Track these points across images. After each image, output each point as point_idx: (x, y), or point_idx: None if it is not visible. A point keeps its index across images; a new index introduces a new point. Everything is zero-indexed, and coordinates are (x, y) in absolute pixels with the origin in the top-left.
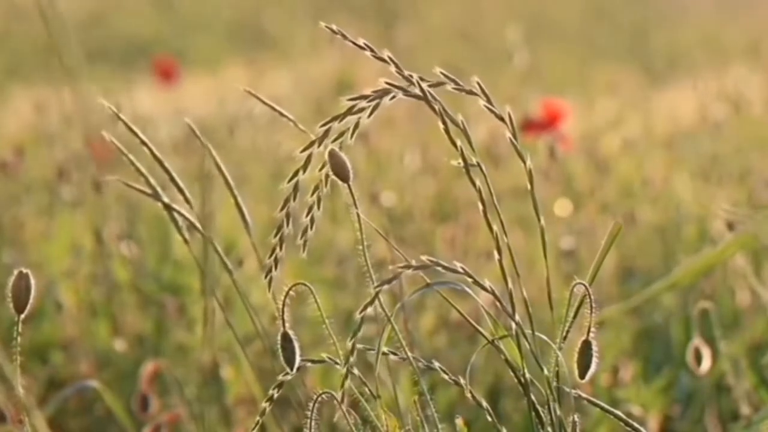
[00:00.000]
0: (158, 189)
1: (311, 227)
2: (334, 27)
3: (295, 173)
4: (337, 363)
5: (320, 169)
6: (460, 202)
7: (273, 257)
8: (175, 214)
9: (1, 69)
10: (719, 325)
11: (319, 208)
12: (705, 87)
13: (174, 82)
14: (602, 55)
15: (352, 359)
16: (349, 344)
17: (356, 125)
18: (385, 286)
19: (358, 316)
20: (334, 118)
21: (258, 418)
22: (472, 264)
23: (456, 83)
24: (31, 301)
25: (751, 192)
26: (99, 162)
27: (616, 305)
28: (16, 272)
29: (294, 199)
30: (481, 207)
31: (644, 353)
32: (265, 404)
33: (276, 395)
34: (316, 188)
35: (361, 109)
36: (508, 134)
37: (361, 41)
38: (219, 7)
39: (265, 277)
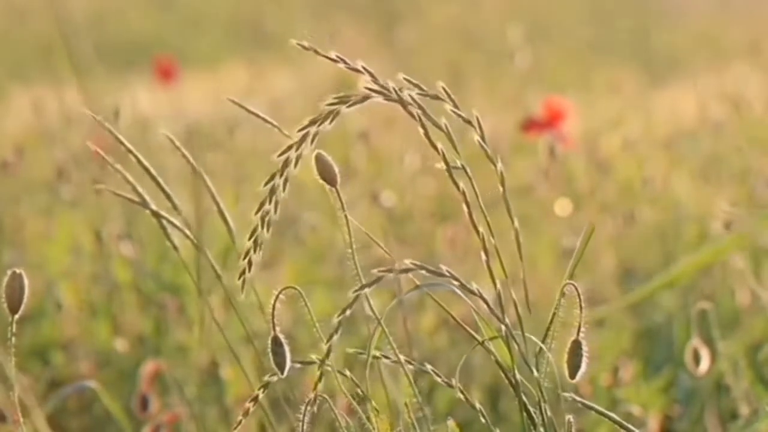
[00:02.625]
0: (146, 197)
1: (267, 230)
2: (306, 43)
3: (272, 177)
4: (329, 366)
5: (265, 184)
6: (459, 202)
7: (247, 259)
8: (164, 221)
9: (1, 69)
10: (718, 325)
11: (276, 212)
12: (705, 87)
13: (174, 81)
14: (602, 55)
15: (328, 362)
16: (325, 347)
17: (315, 134)
18: (368, 289)
19: (336, 319)
20: (312, 123)
21: (240, 418)
22: (472, 264)
23: (420, 88)
24: (25, 301)
25: (751, 192)
26: (99, 162)
27: (615, 303)
28: (9, 272)
29: (270, 203)
30: (466, 210)
31: (644, 353)
32: (248, 404)
33: (261, 397)
34: (262, 204)
35: (339, 113)
36: (477, 138)
37: (333, 54)
38: (219, 7)
39: (239, 278)
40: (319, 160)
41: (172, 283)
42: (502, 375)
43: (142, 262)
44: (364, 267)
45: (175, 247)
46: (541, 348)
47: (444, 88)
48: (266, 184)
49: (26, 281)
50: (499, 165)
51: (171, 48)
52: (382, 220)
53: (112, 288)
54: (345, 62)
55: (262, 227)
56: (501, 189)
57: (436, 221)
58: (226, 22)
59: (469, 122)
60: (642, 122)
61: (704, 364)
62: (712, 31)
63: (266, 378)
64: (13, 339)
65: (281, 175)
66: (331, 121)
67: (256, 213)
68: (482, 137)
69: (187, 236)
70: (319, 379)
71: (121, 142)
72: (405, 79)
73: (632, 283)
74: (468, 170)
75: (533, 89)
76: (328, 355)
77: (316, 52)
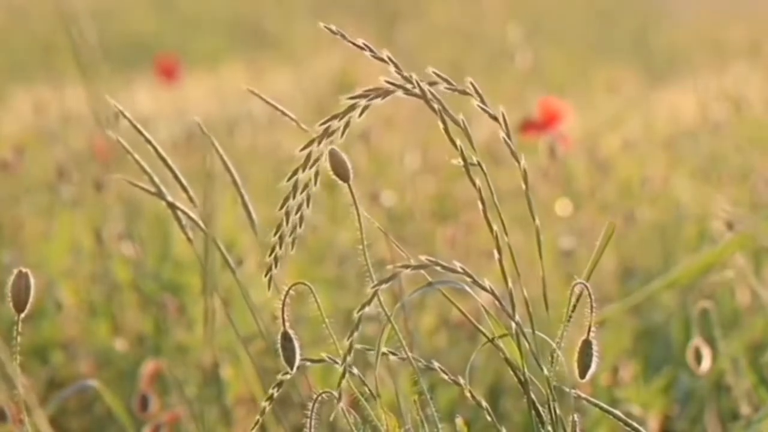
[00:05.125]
0: (162, 188)
1: (300, 225)
2: (333, 27)
3: (295, 172)
4: (336, 362)
5: (309, 167)
6: (460, 201)
7: (273, 255)
8: (179, 213)
9: (1, 69)
10: (719, 324)
11: (308, 205)
12: (705, 87)
13: (176, 80)
14: (602, 55)
15: (349, 358)
16: (347, 343)
17: (347, 124)
18: (384, 286)
19: (356, 315)
20: (334, 117)
21: (258, 417)
22: (472, 264)
23: (449, 83)
24: (30, 300)
25: (751, 192)
26: (101, 161)
27: (616, 304)
28: (15, 271)
29: (293, 198)
30: (481, 206)
31: (644, 353)
32: (264, 403)
33: (276, 394)
34: (306, 186)
35: (361, 107)
36: (502, 134)
37: (360, 41)
38: (219, 6)
39: (265, 275)
40: (333, 156)
41: (173, 283)
42: (505, 374)
43: (142, 261)
44: (364, 266)
45: (189, 239)
46: (552, 347)
47: (472, 83)
48: (289, 179)
49: (32, 280)
50: (523, 162)
51: (171, 48)
52: (382, 220)
53: (112, 288)
54: (371, 50)
55: (287, 223)
56: (524, 186)
57: (436, 221)
58: (227, 22)
59: (495, 119)
60: (642, 122)
61: (706, 364)
62: (712, 31)
63: (280, 375)
64: (18, 338)
65: (304, 170)
66: (361, 113)
67: (280, 209)
68: (508, 134)
69: (201, 228)
70: (342, 376)
71: (141, 133)
72: (434, 72)
73: (632, 283)
74: (484, 167)
75: (533, 89)
76: (350, 350)
77: (343, 37)
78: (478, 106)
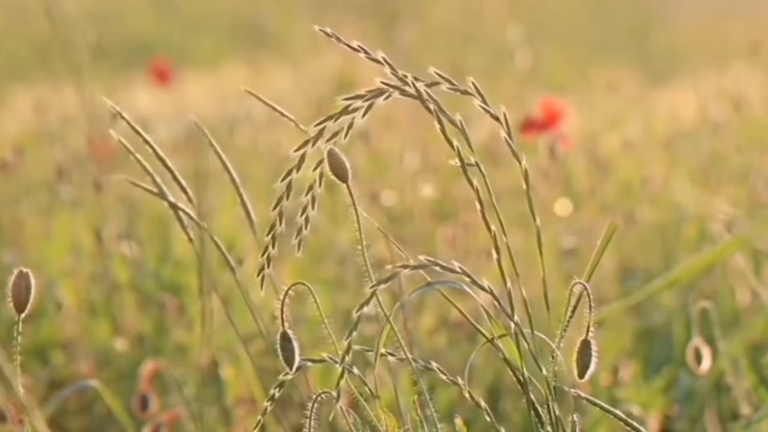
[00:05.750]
0: (163, 188)
1: (306, 227)
2: (329, 30)
3: (289, 172)
4: (336, 362)
5: (314, 169)
6: (460, 201)
7: (266, 255)
8: (180, 213)
9: (1, 69)
10: (719, 324)
11: (313, 207)
12: (705, 87)
13: (169, 83)
14: (602, 55)
15: (348, 359)
16: (345, 343)
17: (350, 125)
18: (383, 286)
19: (354, 315)
20: (329, 118)
21: (259, 417)
22: (472, 263)
23: (451, 83)
24: (31, 300)
25: (751, 192)
26: (100, 161)
27: (616, 304)
28: (16, 271)
29: (287, 198)
30: (479, 207)
31: (644, 353)
32: (266, 404)
33: (277, 395)
34: (311, 188)
35: (357, 109)
36: (503, 134)
37: (355, 43)
38: (219, 7)
39: (258, 274)
40: (332, 156)
41: (172, 283)
42: (504, 374)
43: (141, 261)
44: (364, 266)
45: (190, 239)
46: (551, 347)
47: (474, 84)
48: (283, 179)
49: (33, 280)
50: (524, 162)
51: (171, 48)
52: (381, 220)
53: (112, 288)
54: (366, 52)
55: (280, 223)
56: (524, 186)
57: (436, 221)
58: (226, 22)
59: (496, 118)
60: (642, 122)
61: (705, 364)
62: (712, 31)
63: (281, 376)
64: (18, 338)
65: (298, 170)
66: (364, 114)
67: (274, 209)
68: (509, 134)
69: (202, 227)
70: (341, 376)
71: (139, 133)
72: (436, 72)
73: (632, 283)
74: (482, 167)
75: (533, 89)
76: (348, 351)
77: (338, 39)
78: (480, 106)
